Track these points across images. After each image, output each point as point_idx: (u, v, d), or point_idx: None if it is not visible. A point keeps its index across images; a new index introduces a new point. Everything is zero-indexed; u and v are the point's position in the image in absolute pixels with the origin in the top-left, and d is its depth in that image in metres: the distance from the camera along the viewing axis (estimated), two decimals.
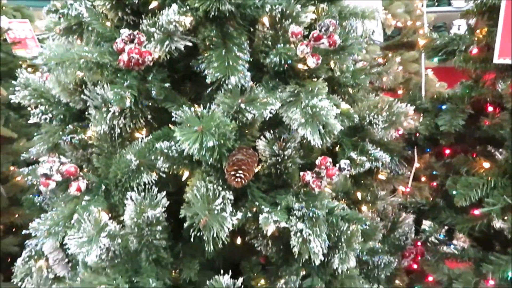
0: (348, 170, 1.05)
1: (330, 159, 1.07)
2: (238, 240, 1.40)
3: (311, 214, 1.05)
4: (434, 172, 1.89)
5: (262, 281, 1.31)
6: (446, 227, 1.72)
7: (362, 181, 1.50)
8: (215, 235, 1.02)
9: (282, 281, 1.16)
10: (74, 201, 1.20)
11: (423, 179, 2.42)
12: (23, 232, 1.28)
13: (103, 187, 1.21)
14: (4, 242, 1.98)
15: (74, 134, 1.24)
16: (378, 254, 1.35)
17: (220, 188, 1.04)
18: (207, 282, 1.09)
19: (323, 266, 1.23)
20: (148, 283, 1.07)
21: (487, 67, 1.31)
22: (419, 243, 1.66)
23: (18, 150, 2.07)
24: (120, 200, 1.18)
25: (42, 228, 1.19)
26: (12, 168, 2.10)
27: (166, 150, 1.03)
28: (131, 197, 1.09)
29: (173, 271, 1.26)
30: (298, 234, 1.03)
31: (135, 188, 1.12)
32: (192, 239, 1.29)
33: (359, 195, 1.47)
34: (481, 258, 1.33)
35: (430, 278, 1.52)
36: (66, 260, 1.38)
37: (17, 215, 2.04)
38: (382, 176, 1.48)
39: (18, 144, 2.12)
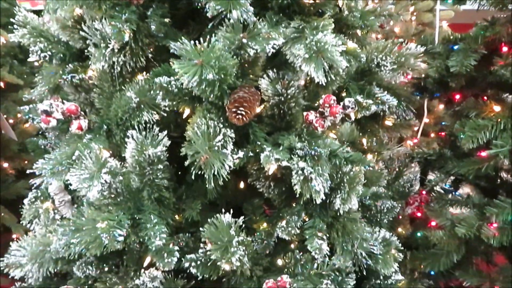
0: (352, 108, 1.02)
1: (334, 97, 1.04)
2: (241, 184, 1.41)
3: (313, 153, 1.04)
4: (443, 123, 1.85)
5: (265, 225, 1.32)
6: (452, 177, 1.71)
7: (368, 128, 1.47)
8: (215, 172, 1.01)
9: (283, 222, 1.16)
10: (76, 141, 1.19)
11: (432, 135, 2.39)
12: (28, 171, 1.29)
13: (105, 127, 1.20)
14: (17, 185, 2.04)
15: (75, 73, 1.22)
16: (381, 199, 1.34)
17: (221, 126, 1.03)
18: (209, 221, 1.09)
19: (325, 209, 1.23)
20: (149, 220, 1.08)
21: (503, 4, 1.24)
22: (423, 192, 1.65)
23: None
24: (121, 140, 1.17)
25: (46, 167, 1.19)
26: (19, 115, 2.11)
27: (165, 85, 1.01)
28: (132, 135, 1.08)
29: (176, 214, 1.28)
30: (300, 172, 1.02)
31: (136, 127, 1.11)
32: (194, 182, 1.31)
33: (364, 141, 1.45)
34: (486, 204, 1.32)
35: (433, 223, 1.52)
36: (72, 201, 1.40)
37: (26, 161, 2.08)
38: (389, 122, 1.45)
39: (24, 92, 2.12)
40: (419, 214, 1.64)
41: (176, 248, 1.11)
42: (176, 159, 1.46)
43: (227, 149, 1.01)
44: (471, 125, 1.18)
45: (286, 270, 1.19)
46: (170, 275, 1.20)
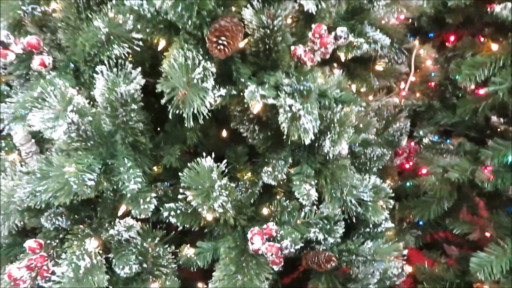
0: (345, 38, 0.93)
1: (325, 27, 0.95)
2: (223, 133, 1.32)
3: (302, 88, 0.95)
4: (433, 74, 1.79)
5: (249, 174, 1.24)
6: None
7: (357, 73, 1.39)
8: (195, 110, 0.92)
9: (269, 167, 1.08)
10: (39, 80, 1.08)
11: (417, 94, 2.32)
12: None
13: (72, 65, 1.09)
14: None
15: (36, 5, 1.09)
16: (371, 146, 1.28)
17: (201, 58, 0.93)
18: (188, 165, 1.01)
19: (313, 155, 1.16)
20: (123, 164, 0.98)
21: None
22: (412, 143, 1.60)
23: None
24: (90, 78, 1.06)
25: (8, 112, 1.08)
26: None
27: (137, 8, 0.90)
28: (101, 71, 0.97)
29: (154, 163, 1.19)
30: (287, 109, 0.93)
31: (106, 63, 1.00)
32: (173, 128, 1.21)
33: (354, 87, 1.37)
34: (478, 151, 1.27)
35: (424, 171, 1.48)
36: (40, 153, 1.29)
37: None
38: (379, 67, 1.37)
39: None
40: (407, 166, 1.60)
41: (153, 194, 1.02)
42: (153, 109, 1.37)
43: (207, 84, 0.92)
44: (468, 63, 1.12)
45: (272, 219, 1.12)
46: (148, 226, 1.12)
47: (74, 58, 1.08)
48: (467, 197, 1.31)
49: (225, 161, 0.99)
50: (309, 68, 1.00)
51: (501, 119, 1.56)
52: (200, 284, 1.30)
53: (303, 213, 1.13)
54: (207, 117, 0.94)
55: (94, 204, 1.15)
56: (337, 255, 1.14)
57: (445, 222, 1.35)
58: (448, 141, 1.50)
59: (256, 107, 0.98)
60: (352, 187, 1.14)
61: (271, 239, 1.03)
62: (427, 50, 1.98)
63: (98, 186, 1.00)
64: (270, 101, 0.96)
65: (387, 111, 1.50)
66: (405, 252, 1.06)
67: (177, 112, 0.94)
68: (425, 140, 1.59)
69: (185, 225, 1.10)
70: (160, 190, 1.13)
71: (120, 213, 1.03)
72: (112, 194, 1.07)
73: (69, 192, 0.96)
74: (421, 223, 1.46)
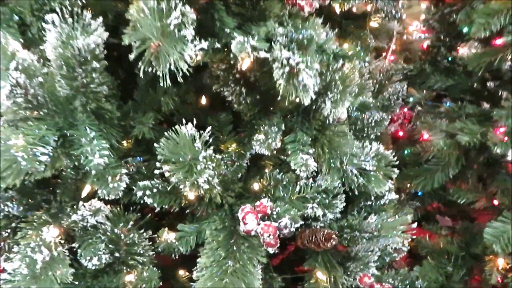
0: None
1: None
2: (203, 100, 1.16)
3: (301, 37, 0.79)
4: (422, 37, 1.67)
5: (234, 145, 1.09)
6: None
7: (351, 31, 1.25)
8: (172, 66, 0.75)
9: (261, 134, 0.93)
10: None
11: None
12: None
13: (16, 17, 0.89)
14: None
15: None
16: (369, 110, 1.15)
17: (177, 0, 0.75)
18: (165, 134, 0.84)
19: (308, 120, 1.02)
20: (85, 134, 0.81)
21: None
22: (405, 110, 1.49)
23: None
24: (40, 33, 0.87)
25: None
26: None
27: None
28: (52, 21, 0.78)
29: (123, 136, 1.01)
30: (284, 62, 0.77)
31: (59, 12, 0.81)
32: (144, 94, 1.04)
33: (346, 46, 1.23)
34: (483, 113, 1.17)
35: (426, 136, 1.37)
36: None
37: None
38: (374, 24, 1.23)
39: None
40: (401, 134, 1.49)
41: (124, 171, 0.85)
42: (119, 74, 1.19)
43: (186, 33, 0.74)
44: (483, 11, 0.99)
45: (264, 195, 0.97)
46: (118, 209, 0.95)
47: (18, 8, 0.88)
48: (472, 164, 1.21)
49: (209, 128, 0.83)
50: (307, 15, 0.85)
51: (492, 83, 1.47)
52: (181, 272, 1.16)
53: (298, 187, 0.99)
54: (187, 75, 0.77)
55: (53, 186, 0.97)
56: (337, 232, 1.02)
57: (444, 192, 1.26)
58: (448, 104, 1.39)
59: (245, 63, 0.82)
60: (352, 156, 1.00)
61: (266, 217, 0.89)
62: (413, 12, 1.86)
63: (55, 163, 0.82)
64: (263, 54, 0.80)
65: (380, 74, 1.37)
66: (414, 225, 0.95)
67: (150, 70, 0.77)
68: (419, 107, 1.48)
69: (163, 206, 0.94)
70: (132, 166, 0.96)
71: (83, 194, 0.86)
72: (73, 173, 0.90)
73: (18, 171, 0.78)
74: (420, 193, 1.36)
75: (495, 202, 1.22)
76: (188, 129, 0.83)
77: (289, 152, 0.94)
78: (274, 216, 0.89)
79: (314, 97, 0.82)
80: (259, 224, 0.84)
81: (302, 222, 0.92)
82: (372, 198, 1.07)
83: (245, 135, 1.07)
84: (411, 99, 1.59)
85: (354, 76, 0.90)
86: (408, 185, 1.27)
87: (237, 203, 0.98)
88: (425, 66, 1.56)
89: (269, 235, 0.81)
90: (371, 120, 1.15)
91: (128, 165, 0.95)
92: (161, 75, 0.77)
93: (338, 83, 0.88)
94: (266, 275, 1.09)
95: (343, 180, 1.00)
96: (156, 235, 0.96)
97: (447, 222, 1.61)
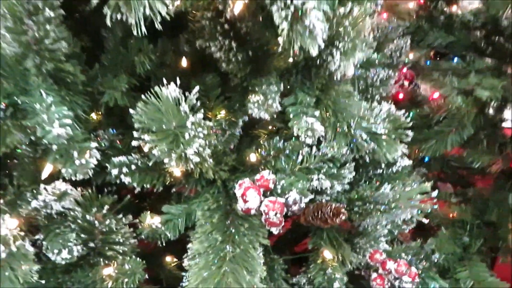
0: None
1: None
2: (183, 62, 1.00)
3: None
4: None
5: (223, 113, 0.94)
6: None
7: None
8: (147, 10, 0.59)
9: (256, 97, 0.79)
10: None
11: None
12: None
13: None
14: None
15: None
16: (374, 67, 1.01)
17: None
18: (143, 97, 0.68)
19: (309, 79, 0.88)
20: (40, 100, 0.64)
21: None
22: (405, 69, 1.37)
23: None
24: None
25: None
26: None
27: None
28: None
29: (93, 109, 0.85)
30: (288, 2, 0.62)
31: None
32: (114, 53, 0.87)
33: None
34: (496, 68, 1.06)
35: (436, 95, 1.25)
36: None
37: None
38: None
39: None
40: (401, 96, 1.37)
41: (94, 144, 0.70)
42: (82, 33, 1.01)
43: None
44: None
45: (262, 167, 0.84)
46: (91, 191, 0.80)
47: None
48: (487, 123, 1.11)
49: (196, 88, 0.68)
50: None
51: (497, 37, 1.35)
52: (168, 258, 1.02)
53: (300, 157, 0.86)
54: (163, 32, 0.62)
55: (7, 167, 0.80)
56: (345, 206, 0.90)
57: (450, 157, 1.15)
58: (455, 59, 1.27)
59: (237, 5, 0.67)
60: (361, 118, 0.87)
61: (268, 193, 0.76)
62: None
63: (5, 139, 0.66)
64: None
65: (378, 29, 1.23)
66: (435, 193, 0.83)
67: (119, 17, 0.61)
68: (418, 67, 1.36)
69: (144, 186, 0.79)
70: (104, 140, 0.80)
71: (44, 175, 0.70)
72: (30, 150, 0.73)
73: None
74: (427, 159, 1.25)
75: None
76: (171, 91, 0.68)
77: (291, 116, 0.80)
78: (278, 191, 0.75)
79: (322, 45, 0.68)
80: (262, 201, 0.70)
81: (312, 196, 0.79)
82: (383, 165, 0.95)
83: (236, 99, 0.93)
84: (407, 59, 1.47)
85: (366, 22, 0.76)
86: (416, 150, 1.15)
87: (231, 178, 0.84)
88: (422, 23, 1.44)
89: (276, 214, 0.68)
90: (375, 79, 1.02)
91: (99, 138, 0.79)
92: (133, 22, 0.61)
93: (349, 29, 0.73)
94: (265, 257, 0.96)
95: (351, 146, 0.88)
96: (138, 220, 0.81)
97: (448, 188, 1.53)
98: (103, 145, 0.80)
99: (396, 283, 0.93)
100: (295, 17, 0.64)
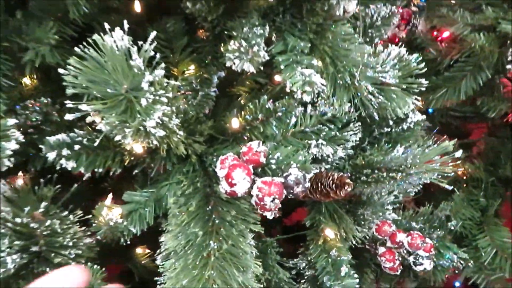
0: None
1: None
2: (137, 6, 0.79)
3: None
4: None
5: (192, 68, 0.75)
6: None
7: None
8: None
9: (235, 43, 0.59)
10: None
11: None
12: None
13: None
14: None
15: None
16: (374, 2, 0.83)
17: None
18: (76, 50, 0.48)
19: (301, 19, 0.69)
20: None
21: None
22: (400, 9, 1.18)
23: None
24: None
25: None
26: None
27: None
28: None
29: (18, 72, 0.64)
30: None
31: None
32: None
33: None
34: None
35: (446, 34, 1.08)
36: None
37: None
38: None
39: None
40: (397, 39, 1.20)
41: (12, 121, 0.50)
42: None
43: None
44: None
45: (248, 135, 0.66)
46: (23, 183, 0.61)
47: None
48: (504, 65, 0.95)
49: (152, 34, 0.48)
50: None
51: None
52: (139, 250, 0.85)
53: (293, 119, 0.68)
54: None
55: None
56: (350, 175, 0.74)
57: (478, 102, 0.99)
58: None
59: None
60: (366, 66, 0.70)
61: (260, 169, 0.58)
62: None
63: None
64: None
65: None
66: (459, 154, 0.68)
67: None
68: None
69: (96, 170, 0.60)
70: (35, 113, 0.60)
71: None
72: None
73: None
74: (431, 110, 1.10)
75: None
76: (117, 39, 0.48)
77: (282, 67, 0.61)
78: (273, 166, 0.58)
79: None
80: (254, 182, 0.53)
81: (316, 170, 0.63)
82: (391, 122, 0.79)
83: (208, 50, 0.73)
84: None
85: None
86: (422, 102, 1.00)
87: (209, 151, 0.66)
88: None
89: (273, 199, 0.51)
90: (376, 17, 0.84)
91: (27, 111, 0.59)
92: None
93: None
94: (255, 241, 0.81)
95: (355, 101, 0.70)
96: (91, 215, 0.63)
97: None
98: (33, 120, 0.60)
99: (411, 258, 0.80)
100: None
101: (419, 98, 0.73)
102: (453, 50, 0.94)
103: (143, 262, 0.84)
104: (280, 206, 0.58)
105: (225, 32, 0.63)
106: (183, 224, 0.59)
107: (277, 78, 0.81)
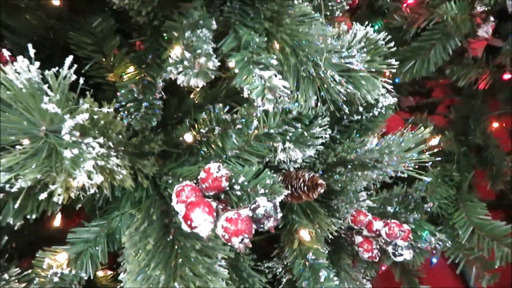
0: None
1: None
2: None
3: None
4: None
5: (131, 69, 0.64)
6: None
7: None
8: None
9: (178, 48, 0.49)
10: None
11: None
12: None
13: None
14: None
15: None
16: None
17: None
18: None
19: (252, 5, 0.59)
20: None
21: None
22: None
23: None
24: None
25: None
26: None
27: None
28: None
29: None
30: None
31: None
32: None
33: None
34: None
35: (410, 0, 0.99)
36: None
37: None
38: None
39: None
40: (356, 1, 1.10)
41: None
42: None
43: None
44: None
45: (205, 147, 0.57)
46: None
47: None
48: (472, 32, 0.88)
49: (69, 58, 0.38)
50: None
51: None
52: (100, 273, 0.77)
53: (255, 122, 0.60)
54: None
55: None
56: (322, 173, 0.68)
57: (446, 71, 0.93)
58: None
59: None
60: (330, 53, 0.62)
61: (223, 196, 0.51)
62: None
63: None
64: None
65: None
66: (435, 141, 0.63)
67: None
68: None
69: (28, 215, 0.51)
70: None
71: None
72: None
73: None
74: (397, 80, 1.04)
75: (506, 76, 0.94)
76: (23, 71, 0.37)
77: (236, 70, 0.52)
78: (237, 192, 0.50)
79: None
80: (216, 219, 0.45)
81: (286, 192, 0.56)
82: (361, 108, 0.72)
83: (148, 47, 0.62)
84: None
85: None
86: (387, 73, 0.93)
87: (162, 171, 0.57)
88: None
89: (242, 239, 0.44)
90: None
91: None
92: None
93: None
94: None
95: (322, 94, 0.63)
96: (33, 262, 0.53)
97: (409, 102, 1.36)
98: None
99: (390, 248, 0.76)
100: None
101: (389, 81, 0.67)
102: (420, 17, 0.86)
103: (104, 284, 0.77)
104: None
105: (164, 35, 0.52)
106: (142, 266, 0.51)
107: (232, 64, 0.72)
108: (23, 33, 0.62)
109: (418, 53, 0.87)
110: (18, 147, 0.38)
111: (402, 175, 0.66)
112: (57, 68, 0.39)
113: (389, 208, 0.82)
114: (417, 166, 0.67)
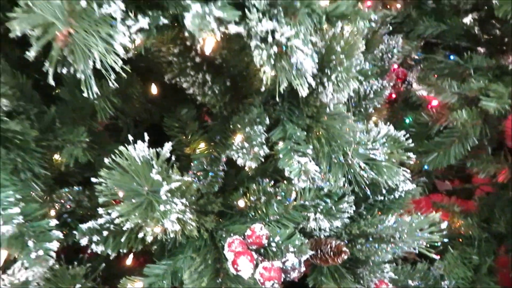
0: None
1: None
2: (153, 89, 0.88)
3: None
4: None
5: (202, 145, 0.84)
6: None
7: None
8: (97, 64, 0.48)
9: (239, 136, 0.68)
10: None
11: None
12: None
13: None
14: None
15: None
16: (368, 78, 0.91)
17: None
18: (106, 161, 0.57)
19: (297, 106, 0.77)
20: None
21: None
22: (395, 67, 1.27)
23: None
24: None
25: None
26: None
27: None
28: None
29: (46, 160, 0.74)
30: (269, 38, 0.52)
31: None
32: (71, 97, 0.76)
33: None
34: (499, 66, 0.97)
35: (435, 102, 1.15)
36: None
37: None
38: None
39: None
40: (394, 96, 1.28)
41: (53, 222, 0.59)
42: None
43: (111, 10, 0.47)
44: None
45: (252, 213, 0.74)
46: (61, 262, 0.70)
47: None
48: (492, 131, 1.02)
49: (168, 145, 0.57)
50: None
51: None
52: None
53: (293, 194, 0.77)
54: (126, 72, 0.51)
55: None
56: (347, 242, 0.82)
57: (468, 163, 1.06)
58: (452, 57, 1.17)
59: (208, 44, 0.56)
60: (358, 145, 0.78)
61: (262, 250, 0.67)
62: None
63: None
64: (233, 28, 0.53)
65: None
66: (444, 225, 0.75)
67: (62, 70, 0.50)
68: (409, 60, 1.26)
69: (121, 251, 0.69)
70: (69, 201, 0.70)
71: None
72: None
73: None
74: (426, 167, 1.17)
75: None
76: (139, 149, 0.57)
77: (281, 156, 0.70)
78: (273, 249, 0.66)
79: (313, 84, 0.58)
80: (256, 266, 0.61)
81: (311, 253, 0.70)
82: (384, 191, 0.86)
83: (217, 129, 0.82)
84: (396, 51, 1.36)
85: (359, 44, 0.66)
86: (417, 162, 1.07)
87: (218, 227, 0.75)
88: (411, 10, 1.33)
89: (273, 284, 0.59)
90: (369, 91, 0.92)
91: (62, 199, 0.69)
92: (82, 78, 0.50)
93: (341, 56, 0.63)
94: None
95: (349, 177, 0.78)
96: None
97: (446, 186, 1.46)
98: (68, 207, 0.69)
99: None
100: (278, 55, 0.54)
101: (408, 171, 0.81)
102: (442, 116, 1.01)
103: None
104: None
105: (231, 123, 0.72)
106: None
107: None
108: (129, 114, 0.85)
109: (439, 147, 1.00)
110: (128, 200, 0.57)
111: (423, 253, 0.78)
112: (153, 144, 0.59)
113: (410, 282, 0.92)
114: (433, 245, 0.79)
